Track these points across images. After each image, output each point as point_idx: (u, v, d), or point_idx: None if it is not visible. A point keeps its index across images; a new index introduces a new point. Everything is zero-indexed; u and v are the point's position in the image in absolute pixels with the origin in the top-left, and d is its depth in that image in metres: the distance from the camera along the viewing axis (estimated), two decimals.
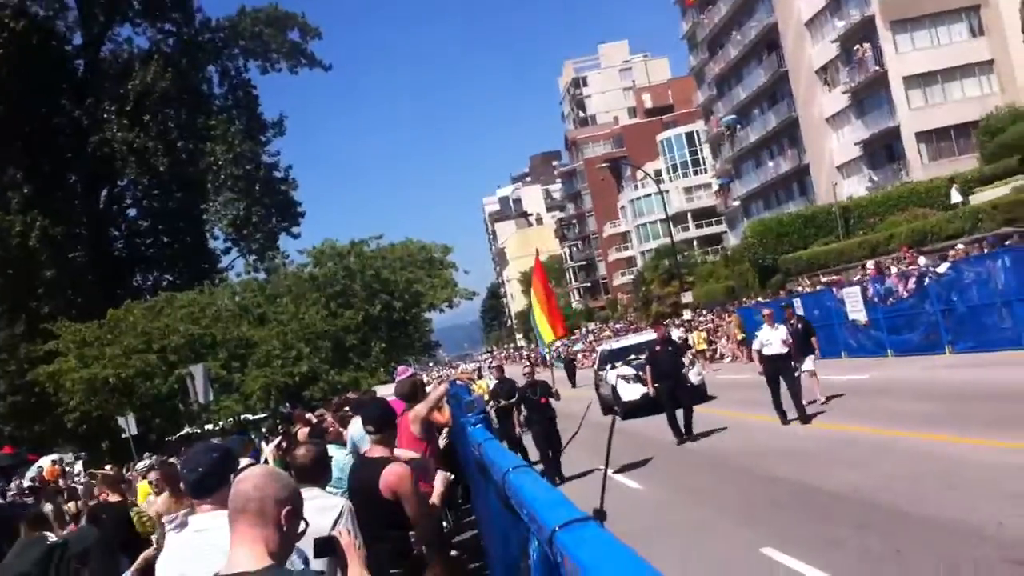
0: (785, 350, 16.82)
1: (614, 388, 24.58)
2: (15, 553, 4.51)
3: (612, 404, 24.29)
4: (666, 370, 17.86)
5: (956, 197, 40.38)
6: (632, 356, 25.45)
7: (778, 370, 16.70)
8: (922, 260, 27.80)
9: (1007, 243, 25.64)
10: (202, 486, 4.38)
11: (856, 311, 25.68)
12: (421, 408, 8.37)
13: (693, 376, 23.38)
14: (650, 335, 29.54)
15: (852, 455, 12.79)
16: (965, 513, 8.83)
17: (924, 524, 8.84)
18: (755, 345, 17.58)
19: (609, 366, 26.12)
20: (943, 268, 23.42)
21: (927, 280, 23.17)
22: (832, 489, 11.09)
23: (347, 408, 15.43)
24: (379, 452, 6.43)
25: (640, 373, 22.75)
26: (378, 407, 7.37)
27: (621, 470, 15.52)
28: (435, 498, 6.53)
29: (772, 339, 16.94)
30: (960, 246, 28.69)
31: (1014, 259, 20.21)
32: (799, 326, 19.06)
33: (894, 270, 27.43)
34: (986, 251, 25.07)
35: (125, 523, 8.40)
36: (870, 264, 33.35)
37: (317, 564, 3.83)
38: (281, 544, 3.02)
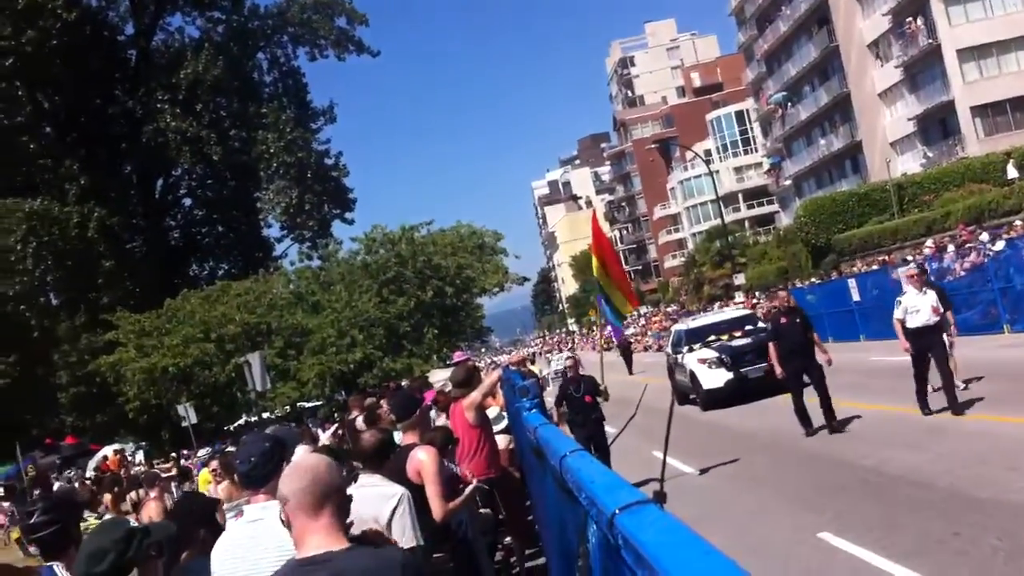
0: (936, 319, 13.60)
1: (693, 374, 21.70)
2: (96, 530, 4.62)
3: (690, 392, 22.27)
4: (796, 346, 14.74)
5: (1012, 173, 39.71)
6: (712, 337, 22.63)
7: (927, 346, 13.52)
8: (984, 236, 27.33)
9: None
10: (254, 476, 4.47)
11: None
12: (476, 395, 8.44)
13: None
14: (732, 312, 27.51)
15: (910, 437, 12.65)
16: (1012, 491, 8.74)
17: (984, 506, 8.76)
18: (897, 314, 13.93)
19: (686, 348, 22.90)
20: (999, 246, 23.08)
21: (984, 257, 22.86)
22: (891, 472, 11.01)
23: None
24: (409, 439, 6.55)
25: (722, 356, 21.20)
26: (401, 397, 7.51)
27: (681, 457, 15.50)
28: (456, 502, 6.54)
29: (921, 305, 13.63)
30: (1018, 223, 28.21)
31: None
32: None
33: (951, 248, 27.05)
34: None
35: (209, 516, 8.37)
36: (929, 242, 32.92)
37: None
38: (345, 525, 3.15)
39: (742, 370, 20.66)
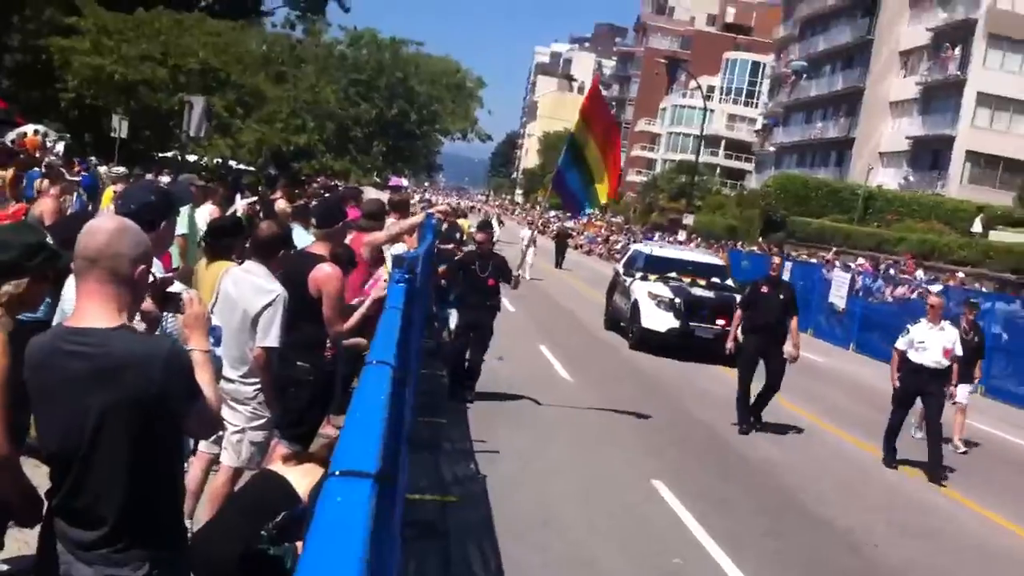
0: (945, 364, 11.35)
1: (636, 305, 18.79)
2: (14, 225, 4.44)
3: (623, 321, 19.90)
4: (768, 324, 12.37)
5: (977, 227, 40.12)
6: (673, 274, 19.73)
7: (921, 389, 11.40)
8: (920, 274, 27.77)
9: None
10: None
11: (838, 296, 25.67)
12: (381, 235, 8.23)
13: None
14: (703, 256, 24.17)
15: (777, 431, 12.71)
16: (847, 517, 9.03)
17: (807, 515, 9.02)
18: (900, 343, 11.64)
19: (639, 274, 19.88)
20: (935, 288, 23.42)
21: (913, 294, 23.28)
22: (745, 455, 11.25)
23: (326, 194, 15.34)
24: (319, 249, 6.43)
25: (675, 299, 18.33)
26: (328, 204, 7.33)
27: (570, 364, 15.63)
28: (354, 318, 6.51)
29: (931, 342, 11.35)
30: (960, 274, 28.66)
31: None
32: (975, 338, 13.34)
33: (890, 272, 27.45)
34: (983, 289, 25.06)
35: None
36: (861, 260, 33.31)
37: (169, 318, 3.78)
38: (132, 303, 3.01)
39: (691, 324, 18.06)
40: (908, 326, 11.81)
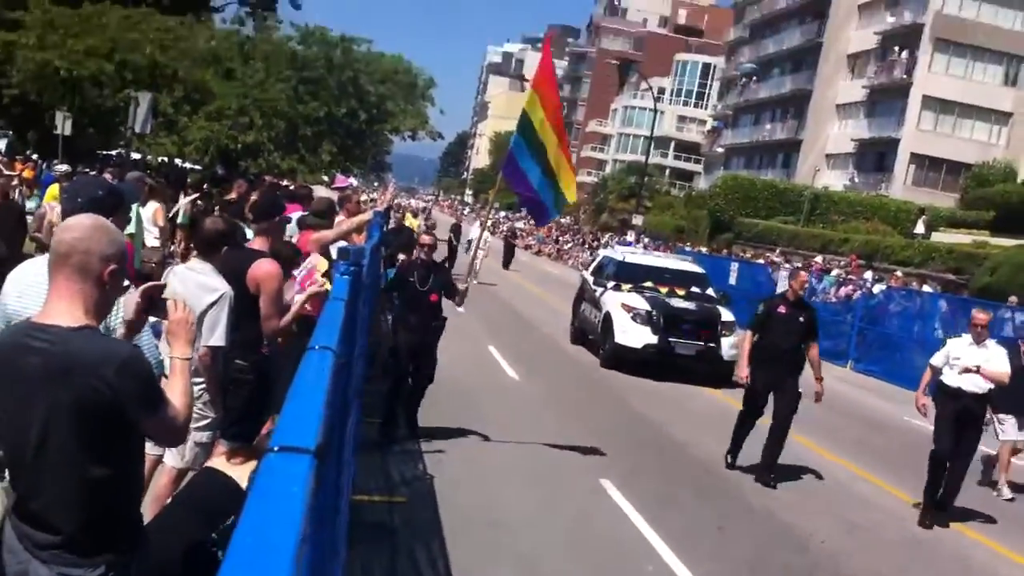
0: (986, 387, 9.60)
1: (608, 318, 16.92)
2: None
3: (592, 335, 18.29)
4: (786, 352, 10.39)
5: (920, 228, 40.73)
6: (649, 284, 17.80)
7: (961, 419, 9.58)
8: (868, 275, 28.14)
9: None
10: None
11: None
12: (329, 234, 8.16)
13: (725, 349, 16.16)
14: (680, 263, 20.88)
15: (725, 426, 12.77)
16: (795, 516, 9.11)
17: (755, 511, 9.10)
18: (935, 359, 10.02)
19: (611, 284, 17.90)
20: (877, 289, 23.80)
21: (857, 292, 23.65)
22: (695, 454, 11.35)
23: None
24: (258, 244, 6.37)
25: (653, 312, 16.50)
26: (266, 198, 7.25)
27: (525, 365, 15.61)
28: (290, 314, 6.44)
29: (970, 360, 9.58)
30: (899, 273, 29.09)
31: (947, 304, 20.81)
32: None
33: (835, 272, 27.76)
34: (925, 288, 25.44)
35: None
36: (818, 259, 33.70)
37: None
38: (100, 303, 2.97)
39: (671, 340, 16.28)
40: (948, 340, 10.22)
